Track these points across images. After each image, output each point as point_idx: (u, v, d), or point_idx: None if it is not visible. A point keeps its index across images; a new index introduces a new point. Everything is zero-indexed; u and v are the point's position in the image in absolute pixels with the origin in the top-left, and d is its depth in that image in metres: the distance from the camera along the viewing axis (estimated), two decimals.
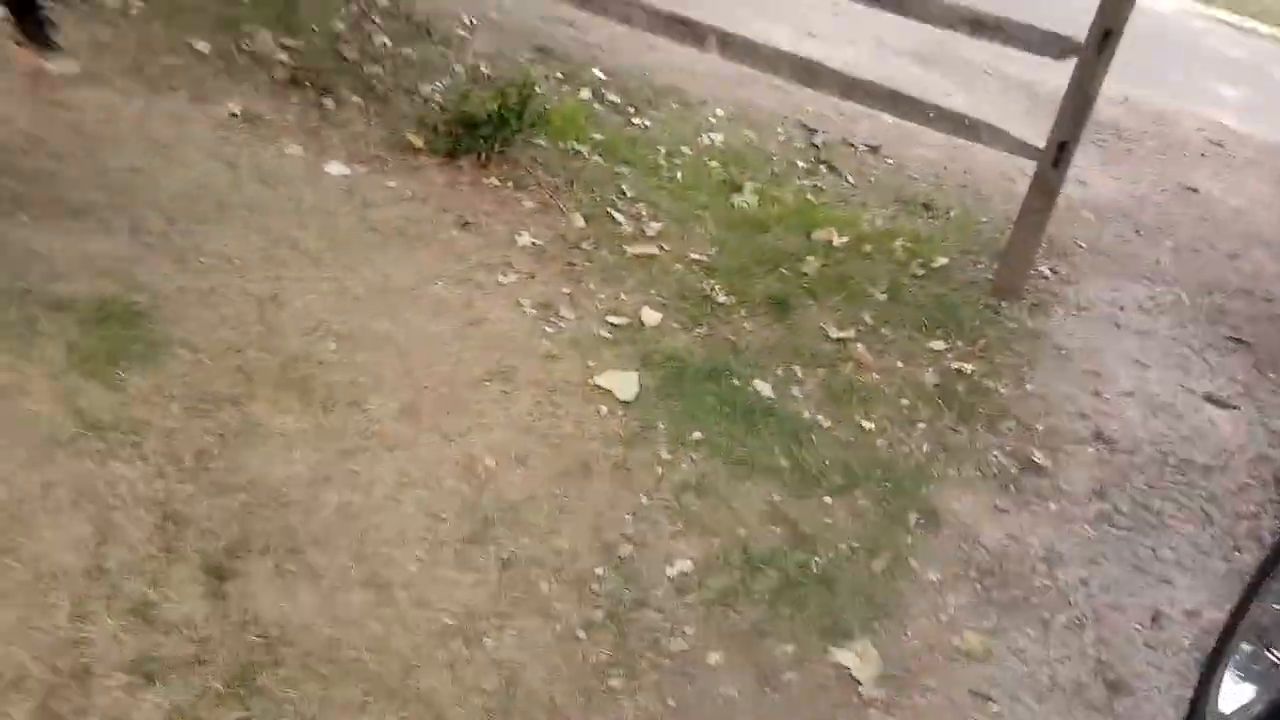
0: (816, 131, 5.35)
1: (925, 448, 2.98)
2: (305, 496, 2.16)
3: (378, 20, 4.98)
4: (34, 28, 3.43)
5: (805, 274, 3.76)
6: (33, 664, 1.66)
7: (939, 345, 3.53)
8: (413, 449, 2.42)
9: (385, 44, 4.72)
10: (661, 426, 2.76)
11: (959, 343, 3.57)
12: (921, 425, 3.09)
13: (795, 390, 3.11)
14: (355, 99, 4.09)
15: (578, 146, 4.26)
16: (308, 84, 4.05)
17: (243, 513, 2.04)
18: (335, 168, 3.56)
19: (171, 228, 2.86)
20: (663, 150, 4.52)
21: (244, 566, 1.93)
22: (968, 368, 3.42)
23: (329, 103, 3.99)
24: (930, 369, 3.37)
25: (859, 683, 2.16)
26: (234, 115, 3.65)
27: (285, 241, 3.02)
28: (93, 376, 2.21)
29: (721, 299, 3.48)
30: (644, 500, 2.50)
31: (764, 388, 3.06)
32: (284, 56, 4.19)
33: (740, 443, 2.78)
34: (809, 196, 4.47)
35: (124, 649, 1.74)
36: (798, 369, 3.21)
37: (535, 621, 2.10)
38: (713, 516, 2.51)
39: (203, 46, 4.05)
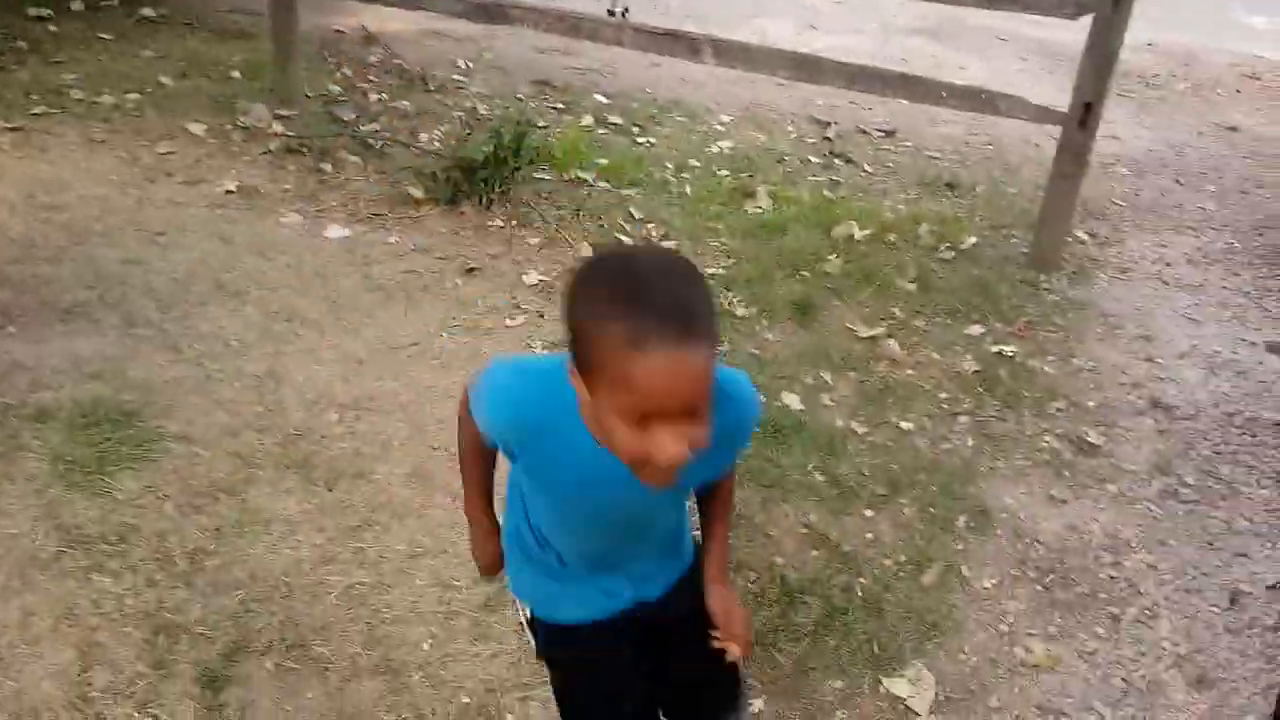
0: (829, 124, 5.19)
1: (970, 442, 2.79)
2: (309, 583, 2.06)
3: (372, 78, 4.98)
4: None
5: (828, 273, 3.60)
6: None
7: (976, 330, 3.33)
8: (423, 515, 2.31)
9: (381, 99, 4.71)
10: None
11: (997, 324, 3.37)
12: (964, 418, 2.89)
13: (826, 399, 2.94)
14: (353, 159, 4.06)
15: (582, 175, 4.17)
16: (304, 151, 4.03)
17: (241, 611, 1.95)
18: (335, 230, 3.52)
19: (165, 316, 2.83)
20: (670, 166, 4.40)
21: (242, 671, 1.84)
22: (1009, 349, 3.21)
23: (326, 166, 3.96)
24: (969, 356, 3.18)
25: (916, 713, 1.99)
26: (230, 192, 3.64)
27: (284, 313, 2.97)
28: (78, 487, 2.15)
29: (741, 312, 3.33)
30: None
31: (792, 400, 2.90)
32: (279, 127, 4.19)
33: (772, 463, 2.63)
34: (826, 192, 4.30)
35: None
36: (827, 375, 3.04)
37: None
38: (746, 548, 2.36)
39: (197, 129, 4.07)
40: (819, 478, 2.60)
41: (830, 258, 3.68)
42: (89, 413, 2.34)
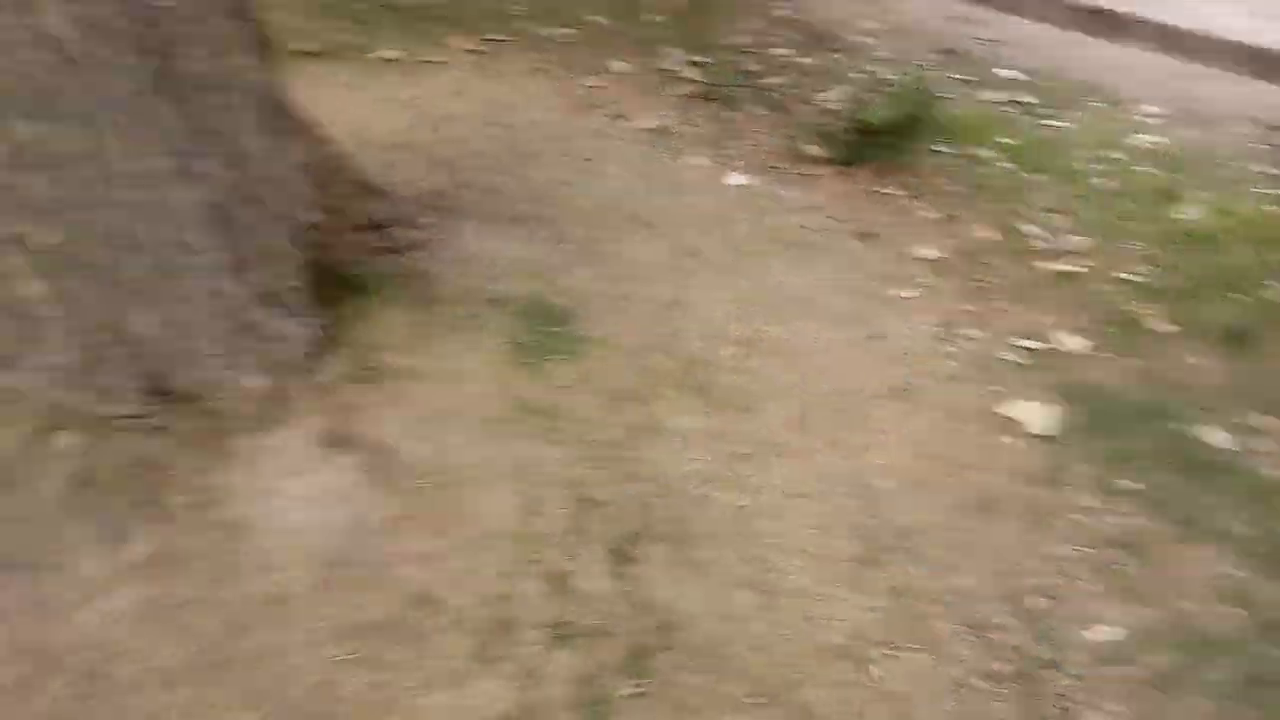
0: None
1: None
2: (698, 494, 2.20)
3: (780, 33, 5.05)
4: None
5: (1271, 301, 3.17)
6: (467, 609, 1.89)
7: None
8: (803, 459, 2.36)
9: (786, 54, 4.77)
10: (1082, 469, 2.44)
11: None
12: None
13: (1259, 444, 2.60)
14: (756, 110, 4.16)
15: (984, 153, 3.98)
16: (713, 98, 4.19)
17: (643, 502, 2.13)
18: (735, 178, 3.63)
19: (588, 236, 3.08)
20: (1083, 155, 4.07)
21: (642, 552, 2.03)
22: None
23: (731, 115, 4.09)
24: None
25: None
26: (647, 130, 3.87)
27: (688, 250, 3.12)
28: (524, 366, 2.44)
29: (1160, 327, 3.03)
30: (1059, 550, 2.22)
31: (1218, 437, 2.60)
32: (692, 73, 4.38)
33: (1186, 500, 2.38)
34: (1273, 207, 3.77)
35: (543, 611, 1.90)
36: (1263, 418, 2.69)
37: (927, 659, 1.94)
38: (1148, 582, 2.16)
39: (621, 67, 4.36)
40: (1247, 530, 2.31)
41: (1274, 284, 3.24)
42: (531, 307, 2.63)
